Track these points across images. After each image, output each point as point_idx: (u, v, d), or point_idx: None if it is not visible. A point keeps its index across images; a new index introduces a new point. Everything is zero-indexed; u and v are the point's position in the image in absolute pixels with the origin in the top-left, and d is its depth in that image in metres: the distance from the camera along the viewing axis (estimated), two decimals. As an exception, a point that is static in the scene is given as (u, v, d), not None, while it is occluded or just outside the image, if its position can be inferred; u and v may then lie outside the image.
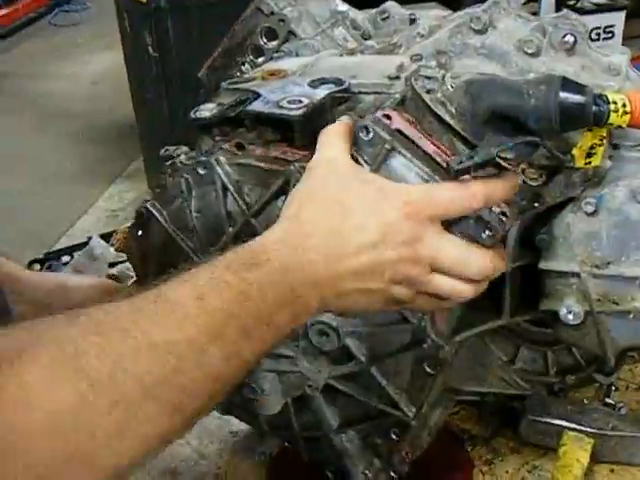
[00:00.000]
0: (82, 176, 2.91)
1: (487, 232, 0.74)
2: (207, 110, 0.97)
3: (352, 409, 1.01)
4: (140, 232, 1.07)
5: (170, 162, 1.04)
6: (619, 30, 2.77)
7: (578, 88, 0.77)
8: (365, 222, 0.69)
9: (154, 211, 1.03)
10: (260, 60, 1.32)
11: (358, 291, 0.70)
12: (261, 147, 0.95)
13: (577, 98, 0.76)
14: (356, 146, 0.81)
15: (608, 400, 1.37)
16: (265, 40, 1.31)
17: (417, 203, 0.73)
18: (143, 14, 2.41)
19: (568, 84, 0.76)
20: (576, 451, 1.22)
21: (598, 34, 2.71)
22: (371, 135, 0.81)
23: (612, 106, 0.78)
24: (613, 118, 0.78)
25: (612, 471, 1.25)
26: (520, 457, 1.29)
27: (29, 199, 2.76)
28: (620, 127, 0.80)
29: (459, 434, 1.35)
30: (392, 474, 1.07)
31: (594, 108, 0.77)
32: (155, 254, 1.06)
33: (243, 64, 1.35)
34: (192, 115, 0.97)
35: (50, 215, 2.63)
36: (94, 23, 4.47)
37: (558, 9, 3.19)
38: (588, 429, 1.25)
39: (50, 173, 2.95)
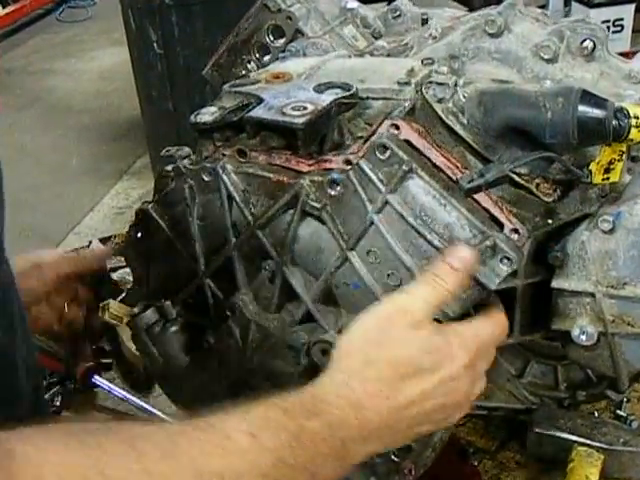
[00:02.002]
0: (89, 173, 2.90)
1: (505, 262, 0.74)
2: (208, 114, 0.93)
3: None
4: (139, 234, 1.03)
5: (173, 166, 1.00)
6: (628, 23, 2.72)
7: (598, 101, 0.73)
8: (424, 386, 0.71)
9: (155, 214, 0.99)
10: (266, 59, 1.28)
11: (409, 437, 0.73)
12: (264, 154, 0.92)
13: (597, 112, 0.72)
14: (372, 164, 0.79)
15: (619, 412, 1.33)
16: (271, 38, 1.27)
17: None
18: (148, 11, 2.40)
19: (587, 97, 0.72)
20: (585, 467, 1.18)
21: (607, 27, 2.66)
22: (388, 154, 0.78)
23: (633, 121, 0.74)
24: (634, 134, 0.74)
25: (623, 488, 1.21)
26: (527, 472, 1.26)
27: (36, 196, 2.75)
28: (641, 142, 0.77)
29: (465, 447, 1.31)
30: None
31: (614, 123, 0.73)
32: (154, 257, 1.02)
33: (249, 62, 1.31)
34: (192, 119, 0.94)
35: (57, 212, 2.62)
36: (101, 19, 4.44)
37: (567, 3, 3.13)
38: (598, 444, 1.21)
39: (57, 170, 2.94)
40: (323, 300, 0.89)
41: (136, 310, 1.03)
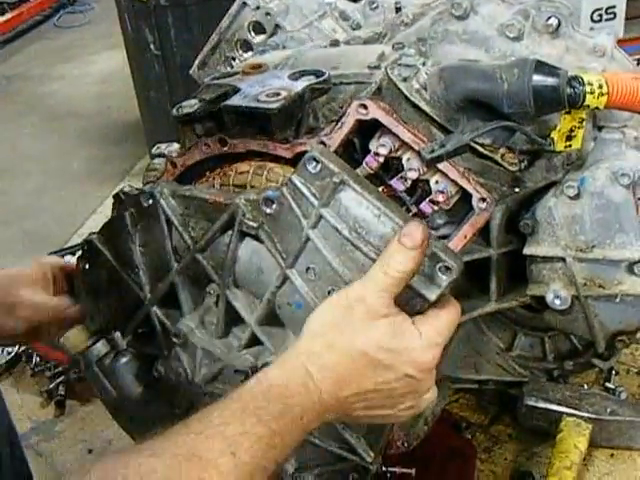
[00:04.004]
0: (91, 175, 2.94)
1: (444, 271, 0.71)
2: (189, 106, 0.97)
3: (309, 453, 0.93)
4: (87, 265, 0.99)
5: (114, 193, 0.96)
6: (621, 11, 2.71)
7: (551, 71, 0.76)
8: (378, 380, 0.73)
9: (100, 245, 0.96)
10: (249, 54, 1.32)
11: (367, 417, 0.76)
12: (243, 141, 0.96)
13: (550, 81, 0.75)
14: (304, 178, 0.77)
15: (608, 385, 1.36)
16: (253, 34, 1.32)
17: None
18: (143, 12, 2.42)
19: (541, 67, 0.76)
20: (574, 437, 1.21)
21: (600, 15, 2.65)
22: (319, 167, 0.76)
23: (588, 88, 0.77)
24: (589, 100, 0.77)
25: (612, 455, 1.24)
26: (519, 444, 1.29)
27: (38, 199, 2.80)
28: (598, 109, 0.80)
29: (459, 422, 1.34)
30: None
31: (569, 90, 0.76)
32: (102, 289, 0.99)
33: (233, 59, 1.36)
34: (174, 112, 0.98)
35: (60, 215, 2.66)
36: (99, 23, 4.49)
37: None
38: (586, 414, 1.24)
39: (58, 174, 2.98)
40: (268, 322, 0.85)
41: (88, 343, 1.00)
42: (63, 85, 3.90)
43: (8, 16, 4.56)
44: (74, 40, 4.52)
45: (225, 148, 0.97)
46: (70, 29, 4.71)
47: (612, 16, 3.03)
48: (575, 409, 1.25)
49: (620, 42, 1.06)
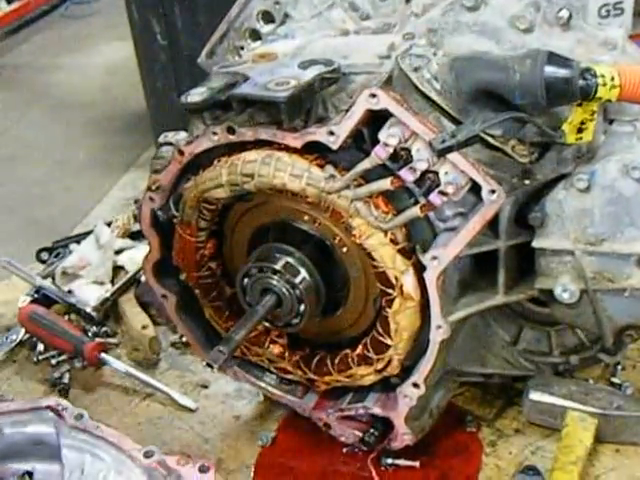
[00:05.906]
0: (96, 165, 2.94)
1: None
2: (197, 94, 0.96)
3: None
4: None
5: None
6: (629, 6, 2.70)
7: (564, 62, 0.76)
8: None
9: None
10: (257, 44, 1.32)
11: None
12: (251, 130, 0.95)
13: (563, 72, 0.75)
14: None
15: (614, 380, 1.35)
16: (262, 23, 1.31)
17: None
18: (150, 3, 2.42)
19: (554, 58, 0.75)
20: (579, 432, 1.21)
21: (608, 11, 2.64)
22: None
23: (600, 80, 0.76)
24: (601, 92, 0.77)
25: (617, 451, 1.24)
26: (524, 438, 1.28)
27: (44, 189, 2.80)
28: (609, 101, 0.79)
29: (464, 415, 1.34)
30: None
31: (581, 82, 0.75)
32: None
33: (242, 48, 1.35)
34: (182, 100, 0.97)
35: (65, 204, 2.66)
36: (106, 14, 4.49)
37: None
38: (591, 409, 1.23)
39: (65, 163, 2.99)
40: None
41: None
42: (70, 75, 3.90)
43: (15, 5, 4.56)
44: (81, 30, 4.52)
45: (233, 137, 0.97)
46: (77, 19, 4.71)
47: (619, 12, 3.01)
48: (581, 404, 1.24)
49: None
